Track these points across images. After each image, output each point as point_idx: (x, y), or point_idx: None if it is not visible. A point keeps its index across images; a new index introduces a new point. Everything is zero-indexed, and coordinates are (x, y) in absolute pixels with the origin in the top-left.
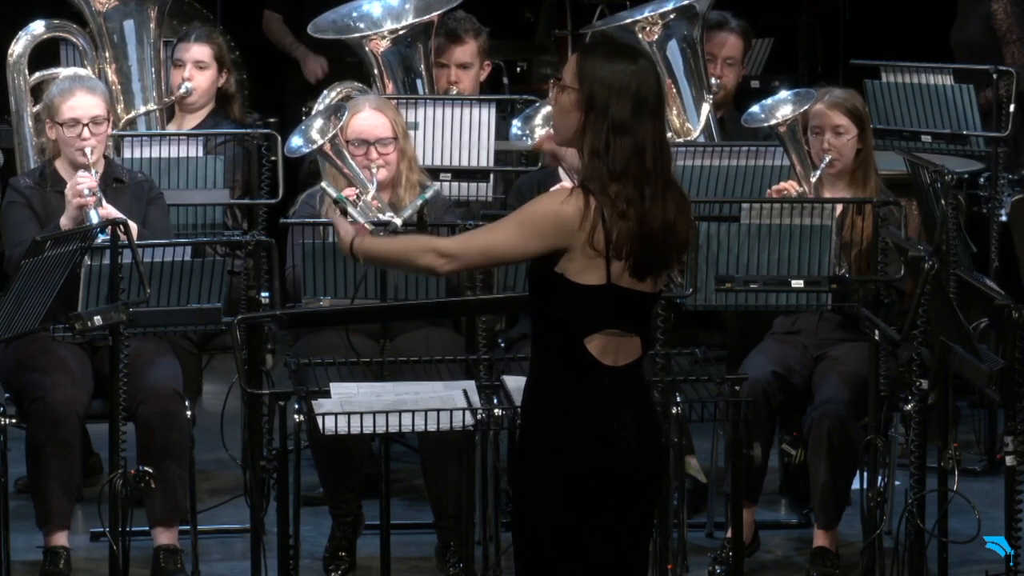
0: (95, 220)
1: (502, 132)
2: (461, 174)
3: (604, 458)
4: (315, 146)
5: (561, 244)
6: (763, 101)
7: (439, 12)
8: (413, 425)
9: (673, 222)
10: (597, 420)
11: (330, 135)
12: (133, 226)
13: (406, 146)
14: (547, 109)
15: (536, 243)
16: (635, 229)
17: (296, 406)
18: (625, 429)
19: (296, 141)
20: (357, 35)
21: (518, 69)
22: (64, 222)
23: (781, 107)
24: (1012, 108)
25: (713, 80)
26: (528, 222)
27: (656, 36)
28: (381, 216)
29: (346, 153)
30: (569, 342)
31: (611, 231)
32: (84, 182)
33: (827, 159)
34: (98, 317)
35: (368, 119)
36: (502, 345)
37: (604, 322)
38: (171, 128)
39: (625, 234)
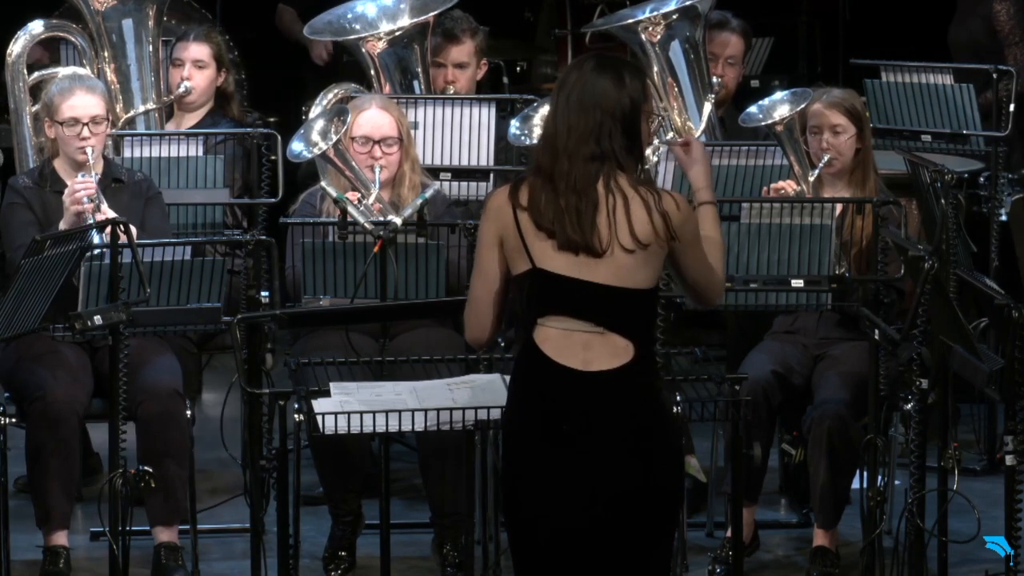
0: None
1: (502, 131)
2: (461, 173)
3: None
4: (317, 150)
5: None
6: (760, 101)
7: (435, 12)
8: (413, 425)
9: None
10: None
11: (333, 140)
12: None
13: (409, 146)
14: (545, 109)
15: None
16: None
17: (296, 406)
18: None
19: (297, 146)
20: (353, 37)
21: (518, 69)
22: (62, 227)
23: (778, 107)
24: (1012, 108)
25: (714, 79)
26: None
27: (659, 37)
28: (382, 216)
29: (348, 155)
30: (521, 337)
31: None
32: (83, 188)
33: (826, 158)
34: (98, 317)
35: (374, 117)
36: (502, 345)
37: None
38: (169, 127)
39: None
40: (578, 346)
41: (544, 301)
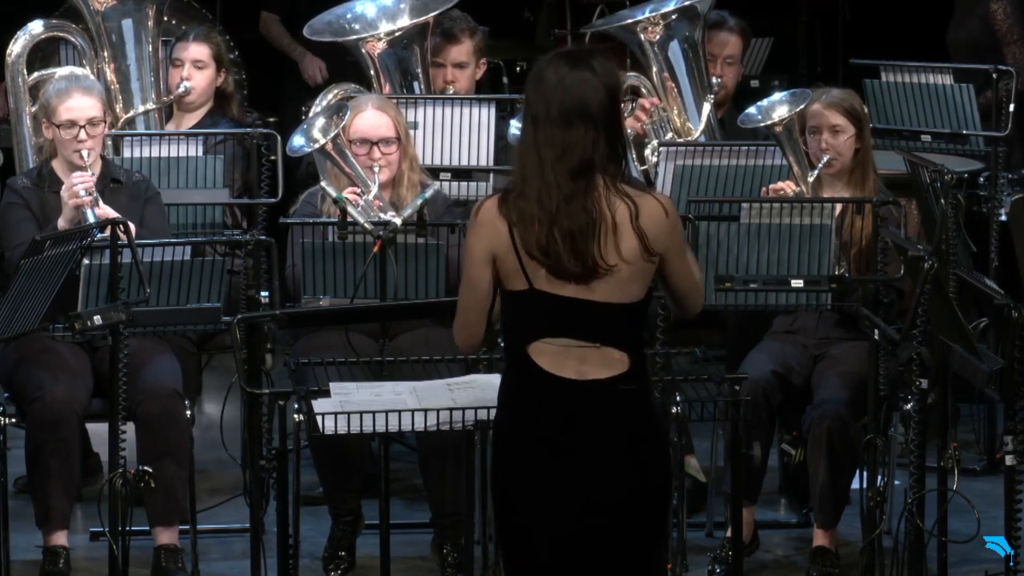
0: (92, 221)
1: (501, 131)
2: (461, 173)
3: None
4: (317, 145)
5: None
6: (759, 102)
7: (435, 13)
8: (413, 425)
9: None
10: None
11: (332, 134)
12: (131, 226)
13: (408, 146)
14: None
15: None
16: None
17: (296, 406)
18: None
19: (298, 140)
20: (353, 37)
21: (518, 69)
22: (61, 224)
23: (777, 107)
24: (1012, 108)
25: (714, 80)
26: None
27: (658, 37)
28: (381, 216)
29: (348, 152)
30: (512, 348)
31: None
32: (80, 182)
33: (825, 159)
34: (98, 317)
35: (372, 119)
36: (502, 345)
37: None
38: (169, 128)
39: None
40: (573, 359)
41: (543, 321)
